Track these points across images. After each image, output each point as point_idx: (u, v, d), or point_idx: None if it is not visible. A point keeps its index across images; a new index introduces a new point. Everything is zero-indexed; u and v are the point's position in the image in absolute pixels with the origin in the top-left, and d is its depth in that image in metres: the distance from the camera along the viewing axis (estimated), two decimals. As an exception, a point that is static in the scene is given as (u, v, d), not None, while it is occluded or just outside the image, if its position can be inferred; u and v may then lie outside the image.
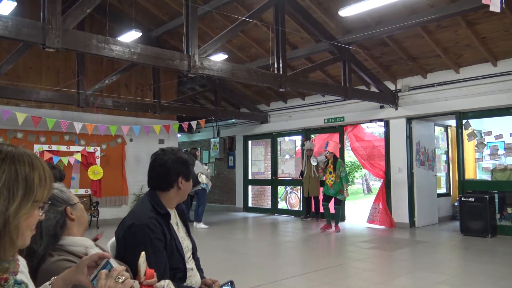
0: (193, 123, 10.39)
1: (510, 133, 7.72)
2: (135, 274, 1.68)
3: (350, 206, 13.34)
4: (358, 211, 11.73)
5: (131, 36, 8.12)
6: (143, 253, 1.68)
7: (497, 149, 7.98)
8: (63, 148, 8.88)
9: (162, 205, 1.99)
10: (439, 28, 7.35)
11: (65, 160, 8.63)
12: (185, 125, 10.44)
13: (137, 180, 10.05)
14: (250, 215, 11.65)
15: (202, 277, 2.18)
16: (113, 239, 2.01)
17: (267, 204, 12.44)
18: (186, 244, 2.11)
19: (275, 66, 6.88)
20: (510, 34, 6.92)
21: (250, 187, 12.63)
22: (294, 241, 7.79)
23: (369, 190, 17.93)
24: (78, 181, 9.30)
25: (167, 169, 2.02)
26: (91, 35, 4.95)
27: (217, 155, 13.54)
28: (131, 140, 10.41)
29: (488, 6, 3.30)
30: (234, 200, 12.91)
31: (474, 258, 5.98)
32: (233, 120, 12.94)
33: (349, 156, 14.96)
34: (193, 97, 12.93)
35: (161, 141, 10.87)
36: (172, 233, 1.98)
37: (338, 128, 10.19)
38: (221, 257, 6.26)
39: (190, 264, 2.08)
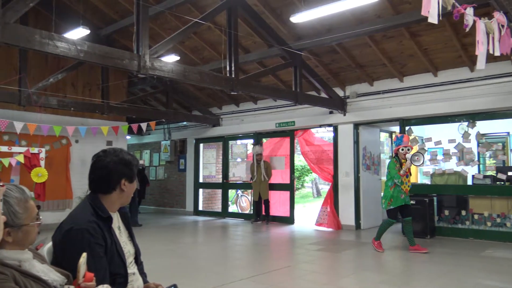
0: (143, 125, 10.17)
1: (448, 140, 8.19)
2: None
3: (299, 209, 13.58)
4: (308, 214, 11.95)
5: (78, 33, 7.82)
6: (84, 254, 1.63)
7: (436, 155, 8.43)
8: (3, 148, 8.36)
9: (104, 209, 1.93)
10: (385, 38, 7.68)
11: (5, 161, 8.14)
12: (134, 126, 10.19)
13: (82, 183, 9.67)
14: (200, 218, 11.55)
15: (145, 281, 2.13)
16: (50, 243, 1.92)
17: (218, 207, 12.39)
18: (128, 248, 2.05)
19: (228, 69, 6.89)
20: (449, 47, 7.35)
21: (201, 190, 12.52)
22: (244, 245, 7.81)
23: (319, 193, 18.32)
24: (18, 183, 8.78)
25: (108, 171, 1.97)
26: (34, 30, 4.71)
27: (167, 158, 13.31)
28: (76, 141, 10.02)
29: (446, 14, 3.49)
30: (184, 203, 12.74)
31: (414, 258, 6.28)
32: (184, 123, 12.79)
33: (300, 160, 15.24)
34: (143, 98, 12.65)
35: (109, 143, 10.54)
36: (113, 237, 1.92)
37: (289, 133, 10.35)
38: (169, 262, 6.15)
39: (132, 268, 2.03)
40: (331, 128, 9.58)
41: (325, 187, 17.50)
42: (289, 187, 10.30)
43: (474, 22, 3.40)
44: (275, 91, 8.25)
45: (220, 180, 12.04)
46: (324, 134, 11.25)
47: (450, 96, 7.85)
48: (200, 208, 12.41)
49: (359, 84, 9.19)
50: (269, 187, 10.23)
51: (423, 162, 6.50)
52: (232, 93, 7.14)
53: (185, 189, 12.78)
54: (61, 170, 9.72)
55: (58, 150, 9.70)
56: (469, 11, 3.23)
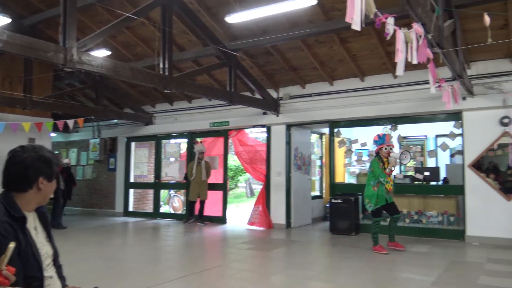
0: (70, 122, 9.64)
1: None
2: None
3: (233, 209, 13.66)
4: (241, 214, 12.04)
5: (-3, 21, 7.25)
6: (13, 243, 1.58)
7: (362, 156, 8.89)
8: None
9: (17, 208, 1.81)
10: (317, 43, 7.96)
11: None
12: (60, 123, 9.64)
13: (-1, 183, 8.96)
14: (131, 219, 11.20)
15: (63, 285, 2.03)
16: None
17: (149, 208, 12.09)
18: (45, 250, 1.94)
19: (161, 66, 6.76)
20: (375, 54, 7.78)
21: (131, 190, 12.14)
22: (175, 245, 7.70)
23: (252, 193, 18.54)
24: None
25: (25, 167, 1.84)
26: None
27: (96, 157, 12.74)
28: (-6, 137, 9.27)
29: (369, 22, 3.67)
30: (114, 204, 12.28)
31: (339, 255, 6.58)
32: (115, 121, 12.31)
33: (234, 160, 15.31)
34: (71, 94, 12.02)
35: (31, 140, 9.87)
36: (28, 238, 1.81)
37: (223, 132, 10.37)
38: (96, 265, 5.90)
39: (49, 271, 1.93)
40: (265, 129, 9.74)
41: (258, 187, 17.73)
42: (222, 187, 10.32)
43: (395, 31, 3.64)
44: (210, 91, 8.22)
45: (152, 180, 11.76)
46: (258, 135, 11.40)
47: (376, 100, 8.31)
48: (131, 209, 12.03)
49: (292, 86, 9.44)
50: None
51: (409, 160, 6.81)
52: (166, 91, 7.02)
53: (114, 189, 12.32)
54: (-25, 169, 8.94)
55: (-29, 147, 8.91)
56: (390, 21, 3.46)
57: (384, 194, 6.52)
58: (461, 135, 7.56)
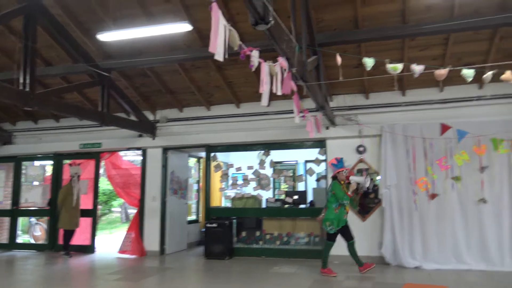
0: None
1: (247, 166, 8.96)
2: None
3: (105, 236, 12.82)
4: (113, 241, 11.32)
5: None
6: None
7: (237, 180, 9.11)
8: None
9: None
10: (194, 68, 8.04)
11: None
12: None
13: None
14: (-21, 252, 9.74)
15: None
16: None
17: (4, 238, 10.67)
18: None
19: (21, 81, 6.13)
20: (250, 82, 8.12)
21: (-19, 219, 10.61)
22: (32, 280, 6.86)
23: (128, 218, 17.62)
24: None
25: None
26: None
27: None
28: None
29: (234, 54, 3.79)
30: (-41, 235, 10.57)
31: (213, 280, 6.55)
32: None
33: (108, 184, 14.45)
34: None
35: None
36: None
37: (94, 155, 9.74)
38: None
39: None
40: (140, 152, 9.42)
41: (135, 212, 16.96)
42: (92, 213, 9.62)
43: (260, 63, 3.85)
44: (79, 110, 7.67)
45: (9, 207, 10.44)
46: (133, 158, 10.96)
47: (250, 126, 8.65)
48: (-20, 240, 10.48)
49: (169, 109, 9.33)
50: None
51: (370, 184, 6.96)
52: (26, 109, 6.37)
53: (-40, 218, 10.63)
54: None
55: None
56: (255, 54, 3.66)
57: (342, 217, 6.62)
58: (325, 161, 8.23)
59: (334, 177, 6.83)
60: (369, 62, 4.68)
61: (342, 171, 6.81)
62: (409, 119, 7.73)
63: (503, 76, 4.66)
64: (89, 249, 9.39)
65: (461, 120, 7.34)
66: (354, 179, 6.73)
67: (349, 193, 6.61)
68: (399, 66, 4.53)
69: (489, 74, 4.70)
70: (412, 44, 6.94)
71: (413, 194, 7.36)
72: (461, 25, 5.87)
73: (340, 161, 7.30)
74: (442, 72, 4.57)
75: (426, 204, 7.32)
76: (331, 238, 6.67)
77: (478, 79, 5.58)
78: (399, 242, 7.31)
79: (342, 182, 6.69)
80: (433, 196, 7.27)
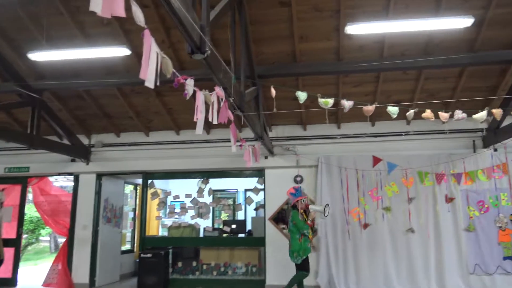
0: None
1: (186, 194, 8.81)
2: None
3: (29, 268, 11.92)
4: (39, 273, 10.51)
5: None
6: None
7: (175, 208, 8.91)
8: None
9: None
10: (133, 93, 7.89)
11: None
12: None
13: None
14: None
15: None
16: None
17: None
18: None
19: None
20: (189, 109, 8.03)
21: None
22: None
23: (57, 248, 16.54)
24: None
25: None
26: None
27: None
28: None
29: (169, 81, 3.75)
30: None
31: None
32: None
33: (35, 211, 13.53)
34: None
35: None
36: None
37: (21, 179, 9.12)
38: None
39: None
40: (72, 177, 8.96)
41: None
42: (15, 243, 8.92)
43: (195, 92, 3.85)
44: (5, 132, 7.22)
45: None
46: (65, 183, 10.39)
47: (190, 154, 8.55)
48: None
49: (105, 134, 9.02)
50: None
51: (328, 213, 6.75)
52: None
53: None
54: None
55: None
56: (190, 82, 3.66)
57: (307, 245, 6.47)
58: (263, 190, 8.29)
59: (294, 206, 6.74)
60: (302, 95, 4.85)
61: (301, 199, 6.71)
62: (343, 151, 8.04)
63: (424, 114, 5.01)
64: (10, 282, 8.66)
65: (391, 153, 7.76)
66: (313, 208, 6.71)
67: (308, 221, 6.55)
68: (330, 101, 4.73)
69: (411, 112, 5.03)
70: (347, 80, 7.31)
71: (347, 224, 7.58)
72: (389, 65, 6.29)
73: (298, 190, 7.37)
74: (369, 108, 4.82)
75: (359, 233, 7.56)
76: (302, 268, 6.52)
77: (404, 116, 5.97)
78: (334, 271, 7.44)
79: (302, 211, 6.60)
80: (365, 225, 7.54)
